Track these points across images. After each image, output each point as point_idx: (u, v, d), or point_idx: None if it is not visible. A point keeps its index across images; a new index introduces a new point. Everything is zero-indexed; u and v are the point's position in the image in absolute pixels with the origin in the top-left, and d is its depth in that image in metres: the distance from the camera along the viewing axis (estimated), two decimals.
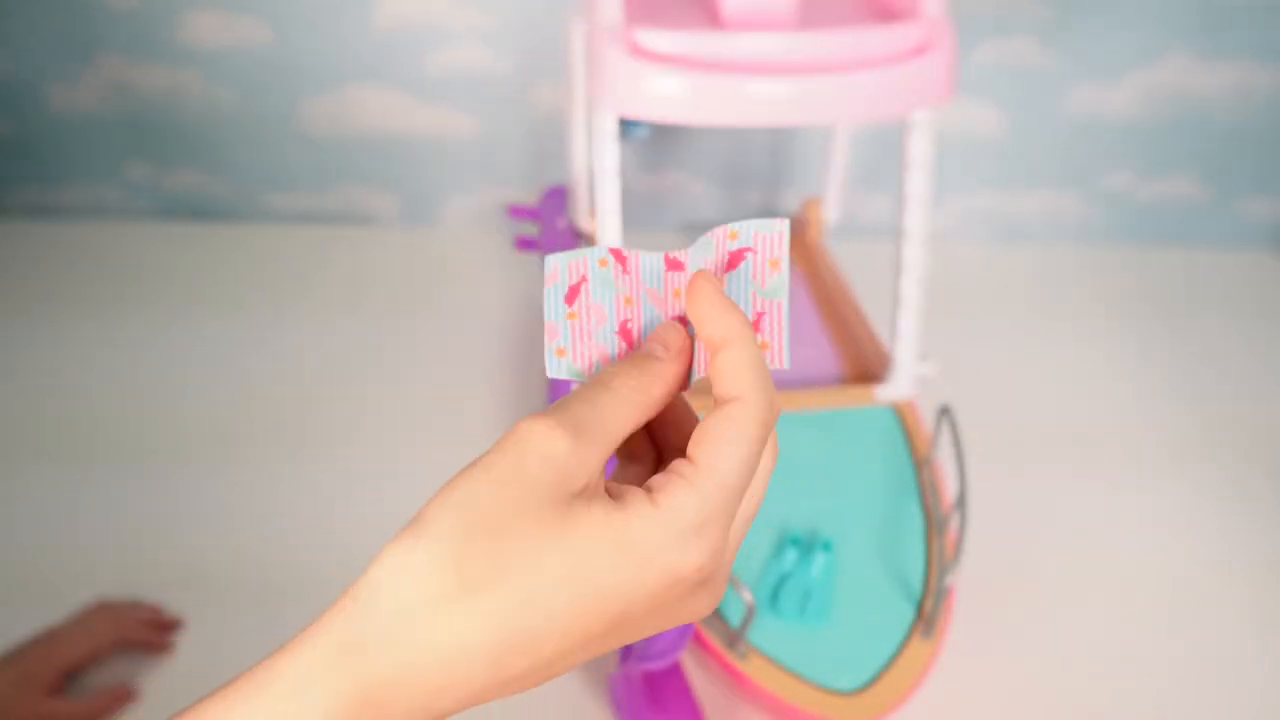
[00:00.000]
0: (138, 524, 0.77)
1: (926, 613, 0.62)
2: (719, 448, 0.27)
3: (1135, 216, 1.16)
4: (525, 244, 0.99)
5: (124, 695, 0.65)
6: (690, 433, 0.31)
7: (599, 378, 0.29)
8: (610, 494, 0.27)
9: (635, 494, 0.27)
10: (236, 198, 1.13)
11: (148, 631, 0.68)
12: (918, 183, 0.72)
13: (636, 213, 1.15)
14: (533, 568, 0.25)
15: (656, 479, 0.27)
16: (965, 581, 0.73)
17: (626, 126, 0.84)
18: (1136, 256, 1.14)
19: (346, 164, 1.11)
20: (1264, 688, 0.68)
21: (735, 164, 1.12)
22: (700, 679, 0.65)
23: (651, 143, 1.10)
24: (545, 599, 0.25)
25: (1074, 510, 0.81)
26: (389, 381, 0.91)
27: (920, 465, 0.72)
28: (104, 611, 0.68)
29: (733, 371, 0.28)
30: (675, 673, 0.62)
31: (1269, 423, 0.91)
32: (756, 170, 1.13)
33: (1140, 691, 0.67)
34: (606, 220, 0.70)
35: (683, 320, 0.31)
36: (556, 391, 0.77)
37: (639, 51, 0.63)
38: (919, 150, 0.71)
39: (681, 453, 0.30)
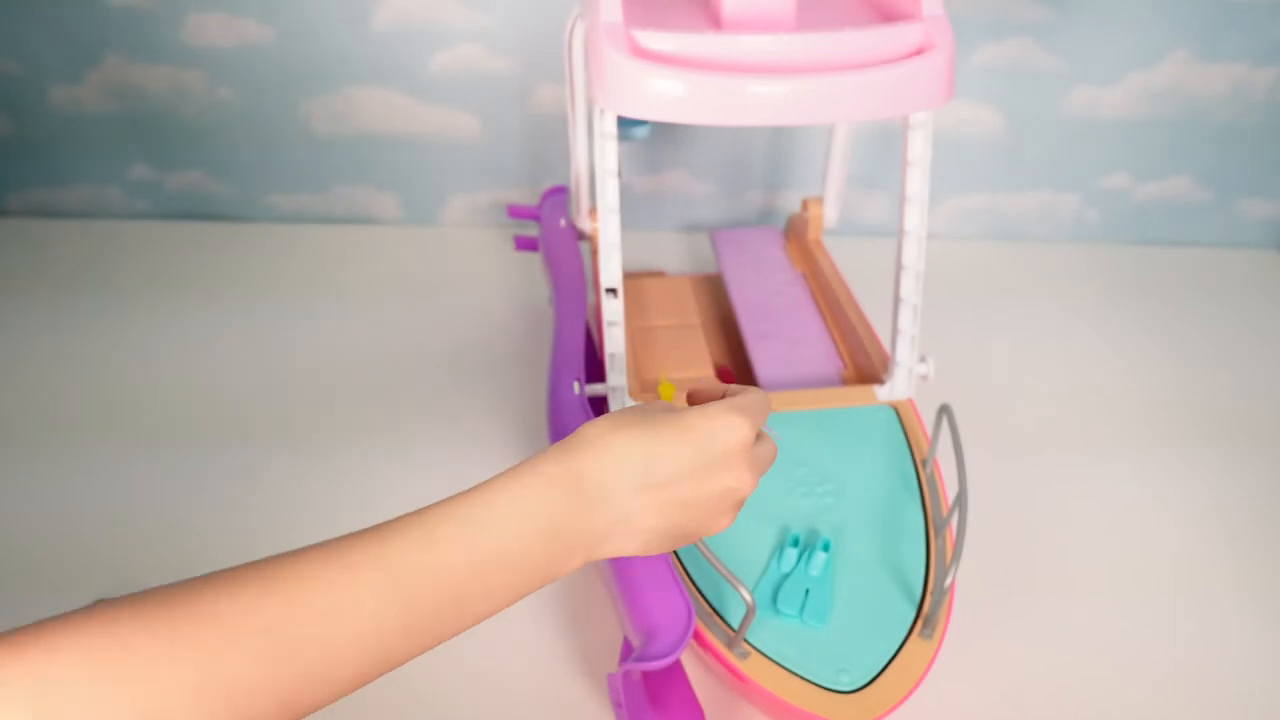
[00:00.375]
0: (139, 524, 0.77)
1: (926, 613, 0.62)
2: (743, 394, 0.47)
3: (1134, 216, 1.16)
4: (525, 244, 0.99)
5: None
6: None
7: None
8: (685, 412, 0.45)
9: (701, 409, 0.44)
10: (238, 198, 1.14)
11: None
12: (917, 182, 0.72)
13: (636, 213, 1.15)
14: (660, 419, 0.43)
15: (709, 405, 0.45)
16: (965, 581, 0.73)
17: (626, 126, 0.84)
18: (1135, 256, 1.14)
19: (347, 164, 1.11)
20: (1268, 689, 0.68)
21: (735, 164, 1.12)
22: (700, 679, 0.65)
23: (651, 143, 1.10)
24: (665, 430, 0.42)
25: (1074, 510, 0.81)
26: (389, 381, 0.92)
27: (920, 465, 0.72)
28: None
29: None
30: (675, 673, 0.62)
31: (1269, 421, 0.91)
32: (756, 170, 1.13)
33: (1141, 691, 0.67)
34: (606, 220, 0.70)
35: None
36: (557, 390, 0.77)
37: (639, 51, 0.63)
38: (918, 150, 0.71)
39: None
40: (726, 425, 0.42)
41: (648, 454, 0.41)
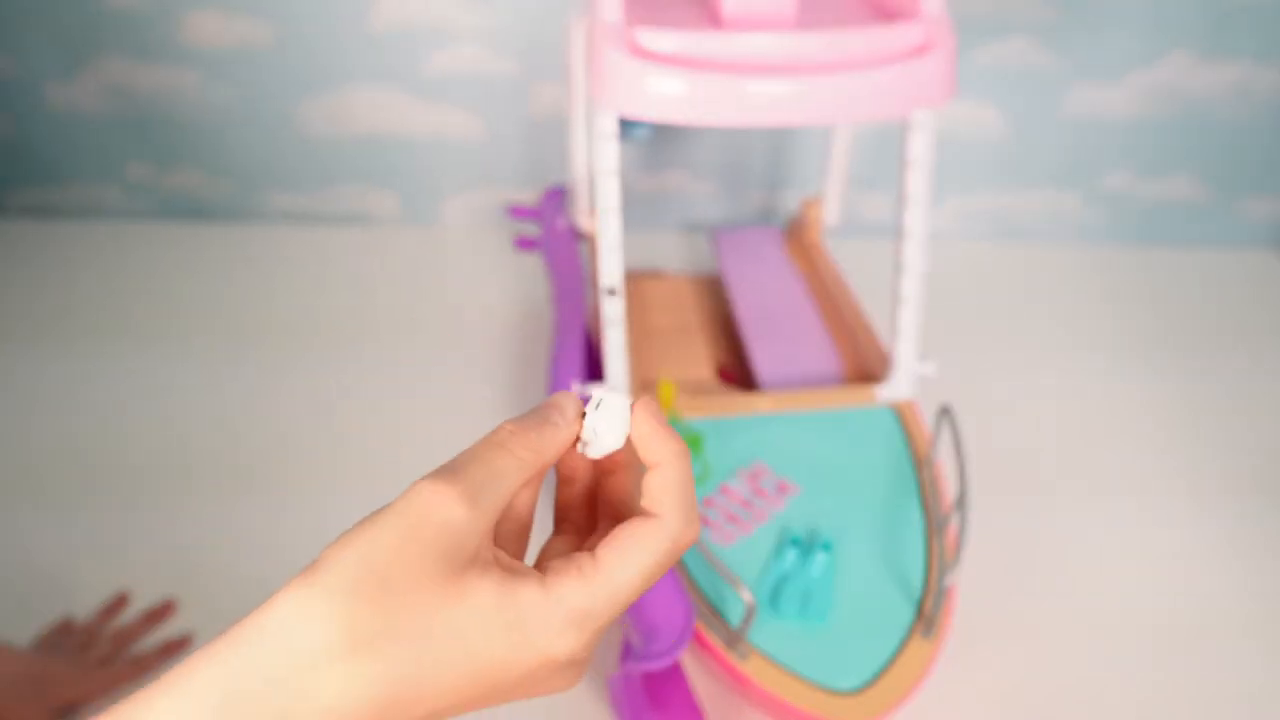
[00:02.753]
0: (141, 520, 0.77)
1: (926, 613, 0.62)
2: (624, 556, 0.29)
3: (1135, 216, 1.16)
4: (525, 244, 0.99)
5: (178, 646, 0.66)
6: (627, 514, 0.33)
7: (494, 437, 0.30)
8: (501, 565, 0.29)
9: (528, 574, 0.29)
10: (236, 198, 1.13)
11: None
12: (917, 182, 0.72)
13: (636, 213, 1.15)
14: (422, 634, 0.26)
15: (555, 564, 0.29)
16: (965, 581, 0.73)
17: (626, 126, 0.84)
18: (1136, 256, 1.14)
19: (347, 164, 1.11)
20: (1257, 679, 0.68)
21: (735, 164, 1.12)
22: (700, 679, 0.65)
23: (651, 143, 1.10)
24: (430, 666, 0.26)
25: (1075, 510, 0.81)
26: (389, 380, 0.91)
27: (920, 465, 0.72)
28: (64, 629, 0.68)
29: (660, 491, 0.30)
30: (675, 673, 0.62)
31: (1268, 420, 0.91)
32: (756, 170, 1.13)
33: (1140, 691, 0.67)
34: (606, 220, 0.70)
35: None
36: (559, 389, 0.77)
37: (639, 51, 0.63)
38: (919, 150, 0.71)
39: (616, 523, 0.33)
40: (542, 661, 0.28)
41: (386, 712, 0.26)
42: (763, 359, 0.83)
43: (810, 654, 0.59)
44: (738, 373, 0.88)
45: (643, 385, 0.80)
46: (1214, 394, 0.94)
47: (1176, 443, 0.88)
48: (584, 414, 0.32)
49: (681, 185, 1.14)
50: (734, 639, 0.59)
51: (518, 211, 1.00)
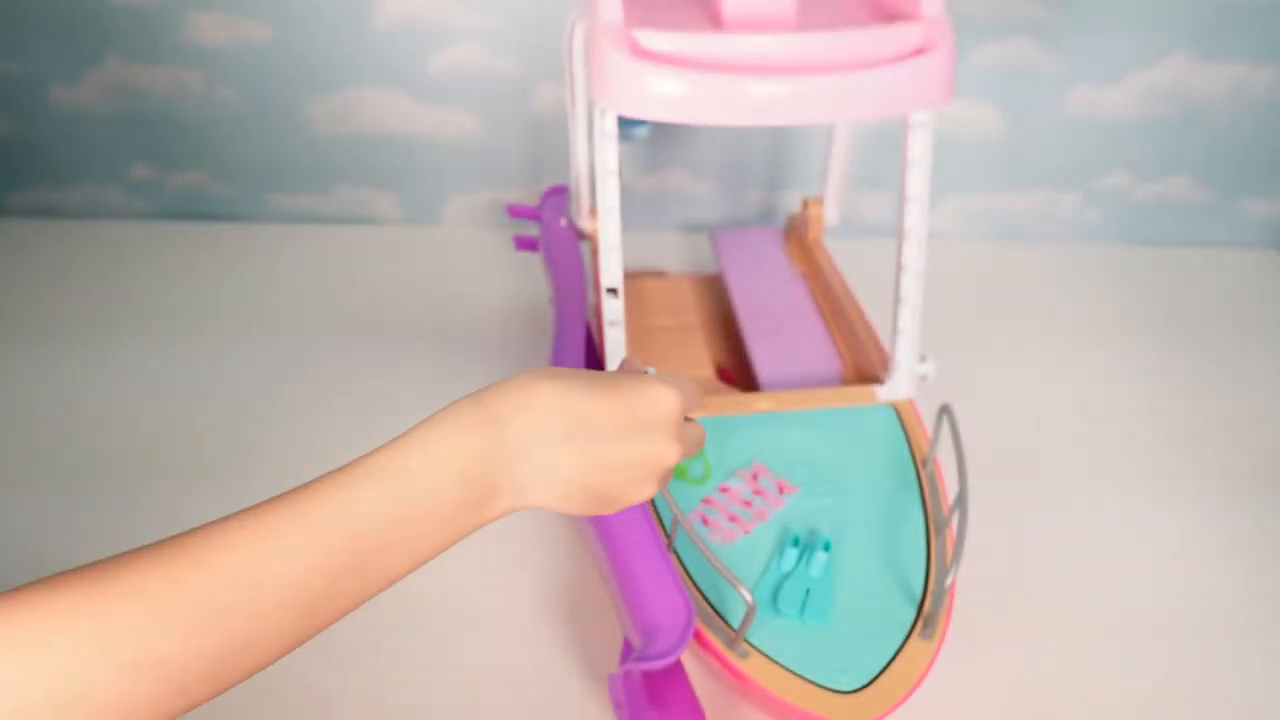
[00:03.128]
0: (144, 519, 0.77)
1: (926, 613, 0.62)
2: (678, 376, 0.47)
3: (1134, 216, 1.16)
4: (525, 244, 0.99)
5: None
6: None
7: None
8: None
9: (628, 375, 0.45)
10: (238, 198, 1.14)
11: None
12: (917, 182, 0.72)
13: (636, 213, 1.15)
14: (590, 377, 0.43)
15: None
16: (965, 581, 0.73)
17: (626, 126, 0.84)
18: (1136, 256, 1.14)
19: (348, 164, 1.11)
20: (1258, 678, 0.68)
21: (735, 164, 1.12)
22: (700, 679, 0.65)
23: (651, 143, 1.10)
24: (595, 385, 0.42)
25: (1075, 509, 0.81)
26: (389, 381, 0.92)
27: (920, 465, 0.72)
28: None
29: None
30: (675, 673, 0.62)
31: (1269, 420, 0.91)
32: (756, 170, 1.13)
33: (1141, 690, 0.67)
34: (606, 220, 0.70)
35: None
36: None
37: (639, 51, 0.63)
38: (919, 150, 0.71)
39: None
40: (657, 393, 0.42)
41: (574, 406, 0.40)
42: (763, 359, 0.84)
43: (810, 654, 0.59)
44: (738, 373, 0.88)
45: None
46: (1214, 393, 0.94)
47: (1177, 442, 0.88)
48: None
49: (681, 185, 1.14)
50: (734, 639, 0.59)
51: (518, 211, 1.00)
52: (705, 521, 0.68)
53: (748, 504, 0.69)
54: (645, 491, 0.43)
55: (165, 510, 0.78)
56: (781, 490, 0.70)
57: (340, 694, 0.65)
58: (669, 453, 0.43)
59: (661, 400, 0.42)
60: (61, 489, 0.80)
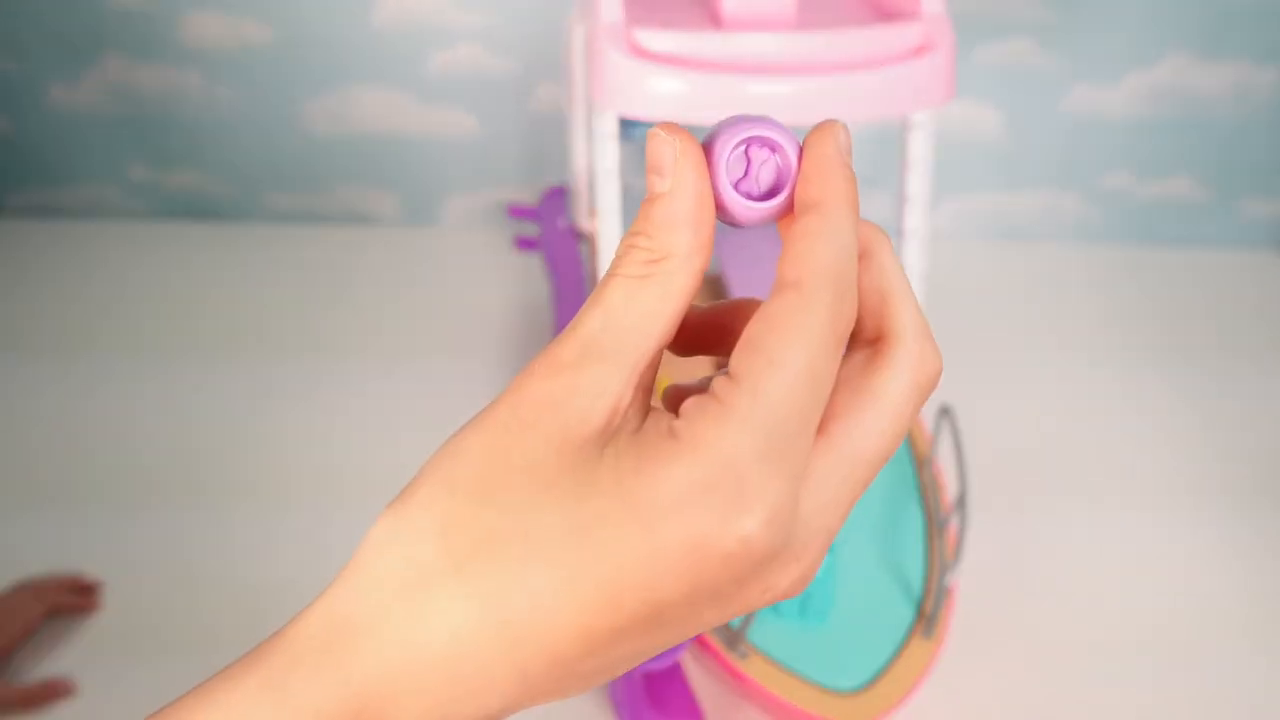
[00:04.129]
0: (139, 521, 0.77)
1: (926, 613, 0.62)
2: (766, 356, 0.19)
3: (1134, 216, 1.16)
4: (525, 244, 0.99)
5: (63, 688, 0.66)
6: None
7: (607, 272, 0.21)
8: (629, 427, 0.20)
9: (658, 424, 0.20)
10: (237, 198, 1.13)
11: (72, 596, 0.70)
12: (918, 183, 0.72)
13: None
14: (525, 535, 0.19)
15: (689, 403, 0.20)
16: (965, 581, 0.73)
17: (626, 126, 0.84)
18: (1136, 256, 1.14)
19: (346, 164, 1.11)
20: (1256, 680, 0.68)
21: None
22: (700, 679, 0.65)
23: None
24: (542, 574, 0.19)
25: (1075, 509, 0.81)
26: (389, 381, 0.91)
27: (920, 465, 0.72)
28: (25, 589, 0.69)
29: (803, 244, 0.20)
30: (675, 673, 0.62)
31: (1268, 420, 0.91)
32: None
33: (1140, 691, 0.67)
34: (606, 220, 0.70)
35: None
36: None
37: (639, 51, 0.63)
38: (919, 150, 0.71)
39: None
40: (694, 552, 0.19)
41: (514, 642, 0.19)
42: None
43: (810, 654, 0.59)
44: None
45: None
46: (1214, 393, 0.94)
47: (1176, 442, 0.88)
48: (697, 152, 0.21)
49: None
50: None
51: (518, 211, 1.00)
52: None
53: None
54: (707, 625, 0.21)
55: (161, 511, 0.78)
56: None
57: None
58: (784, 593, 0.21)
59: (709, 559, 0.19)
60: (58, 486, 0.79)
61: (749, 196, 0.21)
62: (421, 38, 1.02)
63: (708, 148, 0.21)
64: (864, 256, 0.21)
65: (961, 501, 0.63)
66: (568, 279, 0.90)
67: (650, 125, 0.93)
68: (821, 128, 0.21)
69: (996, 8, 1.00)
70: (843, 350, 0.20)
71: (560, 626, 0.19)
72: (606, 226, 0.70)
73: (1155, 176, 1.13)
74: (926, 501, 0.69)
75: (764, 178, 0.21)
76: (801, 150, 0.21)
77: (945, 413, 0.69)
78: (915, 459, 0.72)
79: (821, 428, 0.20)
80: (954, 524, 0.68)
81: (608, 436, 0.20)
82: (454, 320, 1.00)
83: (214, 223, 1.14)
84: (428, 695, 0.19)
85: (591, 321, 0.20)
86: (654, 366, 0.21)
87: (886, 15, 0.70)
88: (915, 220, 0.73)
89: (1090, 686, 0.67)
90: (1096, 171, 1.12)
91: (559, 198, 1.00)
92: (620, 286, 0.21)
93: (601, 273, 0.72)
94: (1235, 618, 0.72)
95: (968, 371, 0.95)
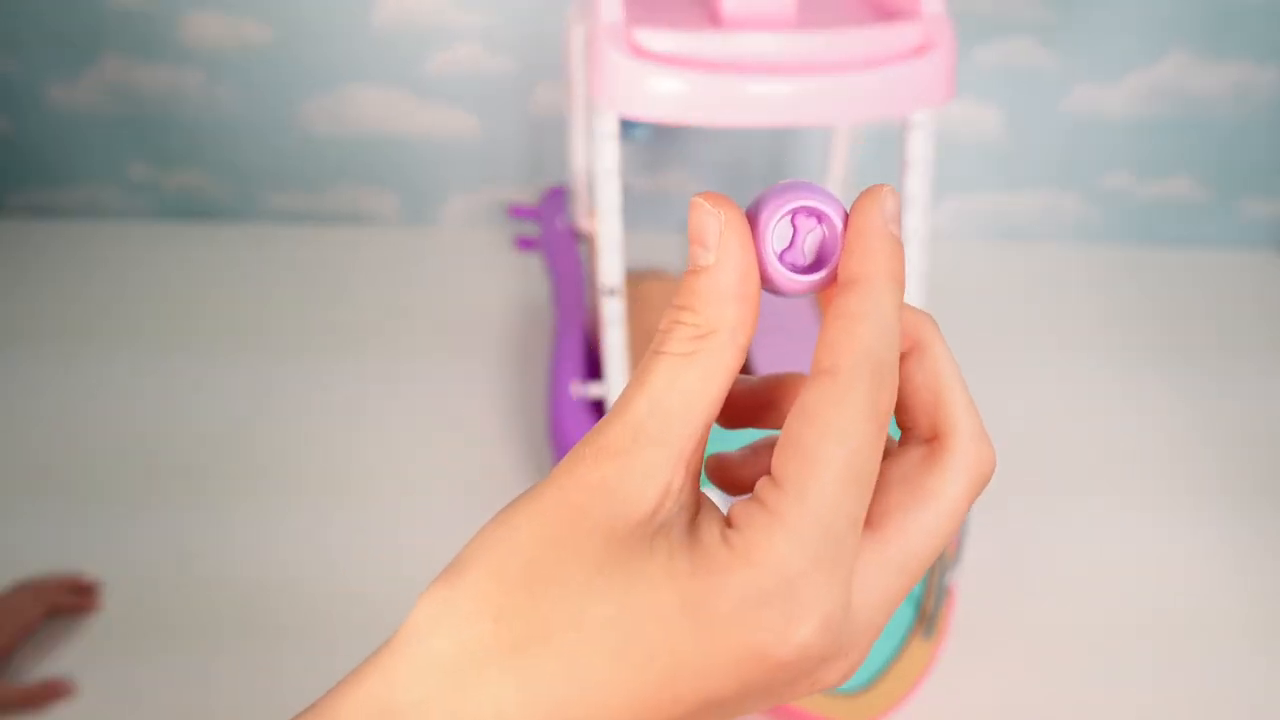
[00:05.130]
0: (137, 515, 0.77)
1: (926, 613, 0.62)
2: (803, 452, 0.19)
3: (1134, 216, 1.16)
4: (525, 244, 0.99)
5: (63, 688, 0.66)
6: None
7: (650, 348, 0.21)
8: (682, 520, 0.20)
9: (711, 529, 0.20)
10: (237, 197, 1.13)
11: (72, 596, 0.70)
12: (917, 183, 0.72)
13: (636, 213, 1.15)
14: (575, 624, 0.19)
15: (738, 510, 0.20)
16: (965, 581, 0.73)
17: (626, 127, 0.84)
18: (1136, 256, 1.14)
19: (346, 164, 1.11)
20: (1256, 679, 0.68)
21: (735, 164, 1.12)
22: None
23: (651, 143, 1.10)
24: (593, 664, 0.19)
25: (1075, 509, 0.81)
26: (388, 381, 0.91)
27: None
28: (24, 589, 0.69)
29: (840, 325, 0.20)
30: None
31: (1268, 420, 0.91)
32: (756, 170, 1.13)
33: (1139, 691, 0.67)
34: (606, 220, 0.70)
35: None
36: (557, 390, 0.77)
37: (639, 51, 0.63)
38: (919, 150, 0.71)
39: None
40: (752, 659, 0.19)
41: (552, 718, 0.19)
42: (763, 358, 0.83)
43: None
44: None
45: None
46: (1214, 393, 0.94)
47: (1176, 442, 0.88)
48: (743, 224, 0.21)
49: (681, 185, 1.14)
50: None
51: (518, 211, 1.00)
52: None
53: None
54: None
55: (160, 506, 0.78)
56: None
57: None
58: (834, 684, 0.21)
59: (766, 665, 0.19)
60: (59, 484, 0.80)
61: (794, 268, 0.21)
62: (421, 38, 1.02)
63: (753, 216, 0.21)
64: (916, 350, 0.21)
65: None
66: (568, 279, 0.90)
67: (650, 125, 0.93)
68: (868, 194, 0.21)
69: (996, 8, 1.00)
70: (884, 437, 0.20)
71: (607, 713, 0.19)
72: (606, 226, 0.70)
73: (1155, 176, 1.13)
74: None
75: (809, 247, 0.21)
76: (847, 218, 0.21)
77: None
78: None
79: (875, 522, 0.20)
80: None
81: (658, 522, 0.20)
82: (454, 320, 1.00)
83: (214, 223, 1.14)
84: None
85: (638, 406, 0.20)
86: (701, 446, 0.21)
87: (886, 15, 0.70)
88: (915, 220, 0.73)
89: (1090, 686, 0.67)
90: (1096, 171, 1.12)
91: (559, 198, 1.00)
92: (665, 366, 0.20)
93: (601, 273, 0.72)
94: (1235, 617, 0.72)
95: (967, 371, 0.95)
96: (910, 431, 0.22)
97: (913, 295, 0.76)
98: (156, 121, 1.07)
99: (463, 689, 0.19)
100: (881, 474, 0.21)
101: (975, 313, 1.04)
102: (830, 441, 0.19)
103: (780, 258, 0.21)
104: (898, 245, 0.20)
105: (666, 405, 0.20)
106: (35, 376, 0.91)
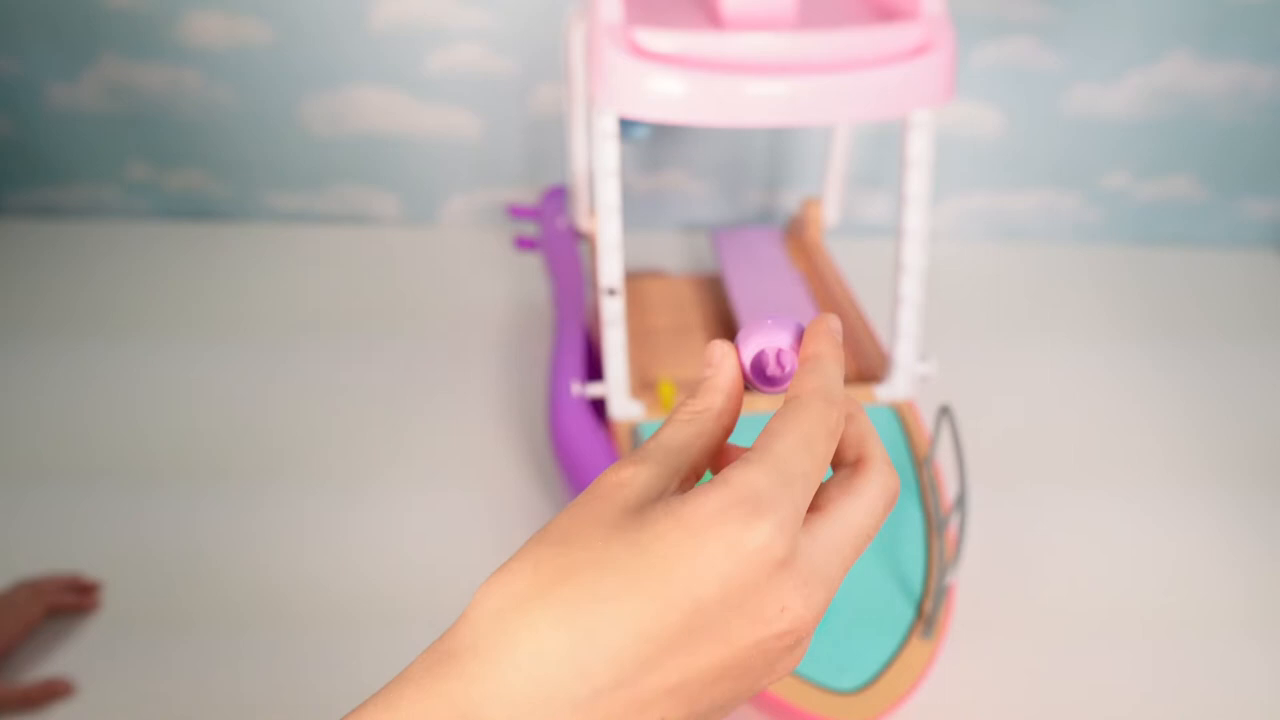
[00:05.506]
0: (141, 513, 0.77)
1: (926, 613, 0.62)
2: (775, 432, 0.28)
3: (1134, 216, 1.16)
4: (525, 244, 0.99)
5: (63, 688, 0.66)
6: None
7: (669, 415, 0.31)
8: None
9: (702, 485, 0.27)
10: (237, 197, 1.13)
11: (72, 595, 0.70)
12: (917, 182, 0.72)
13: (636, 213, 1.15)
14: (598, 562, 0.25)
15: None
16: (965, 581, 0.73)
17: (626, 126, 0.84)
18: (1135, 256, 1.14)
19: (346, 164, 1.11)
20: (1258, 676, 0.68)
21: (735, 164, 1.12)
22: None
23: (651, 143, 1.10)
24: (608, 583, 0.25)
25: (1074, 509, 0.81)
26: (388, 380, 0.91)
27: (920, 465, 0.72)
28: (24, 588, 0.69)
29: (799, 376, 0.30)
30: None
31: (1267, 422, 0.91)
32: (756, 170, 1.13)
33: (1140, 690, 0.67)
34: (606, 220, 0.70)
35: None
36: (557, 390, 0.77)
37: (639, 51, 0.63)
38: (918, 150, 0.71)
39: None
40: (726, 548, 0.25)
41: (583, 644, 0.24)
42: None
43: (810, 654, 0.59)
44: None
45: (643, 385, 0.80)
46: (1214, 394, 0.94)
47: (1177, 443, 0.88)
48: (735, 353, 0.32)
49: (681, 185, 1.14)
50: None
51: (518, 211, 1.00)
52: None
53: None
54: (779, 672, 0.28)
55: (166, 511, 0.78)
56: None
57: (340, 698, 0.65)
58: (795, 621, 0.26)
59: (741, 556, 0.25)
60: (62, 485, 0.80)
61: (766, 377, 0.32)
62: (421, 38, 1.02)
63: (740, 346, 0.31)
64: (849, 419, 0.30)
65: (961, 501, 0.63)
66: (568, 279, 0.90)
67: (650, 125, 0.93)
68: (815, 325, 0.31)
69: (996, 8, 1.00)
70: (834, 444, 0.28)
71: (620, 623, 0.24)
72: (606, 226, 0.70)
73: (1155, 176, 1.13)
74: (926, 501, 0.69)
75: (782, 361, 0.32)
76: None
77: (945, 412, 0.69)
78: (915, 459, 0.72)
79: (819, 507, 0.28)
80: (954, 524, 0.68)
81: (663, 502, 0.27)
82: (454, 320, 1.00)
83: (214, 222, 1.14)
84: (512, 706, 0.25)
85: (650, 444, 0.29)
86: (696, 475, 0.29)
87: (886, 15, 0.70)
88: (915, 220, 0.73)
89: (1091, 686, 0.67)
90: (1096, 171, 1.12)
91: (559, 198, 1.00)
92: (671, 425, 0.30)
93: (601, 273, 0.72)
94: (1235, 616, 0.72)
95: (967, 371, 0.95)
96: (842, 459, 0.30)
97: (913, 295, 0.76)
98: (156, 121, 1.08)
99: (507, 627, 0.25)
100: (822, 487, 0.29)
101: (975, 312, 1.04)
102: (793, 426, 0.28)
103: (761, 372, 0.32)
104: (839, 352, 0.30)
105: (669, 445, 0.29)
106: (35, 376, 0.91)
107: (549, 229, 0.97)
